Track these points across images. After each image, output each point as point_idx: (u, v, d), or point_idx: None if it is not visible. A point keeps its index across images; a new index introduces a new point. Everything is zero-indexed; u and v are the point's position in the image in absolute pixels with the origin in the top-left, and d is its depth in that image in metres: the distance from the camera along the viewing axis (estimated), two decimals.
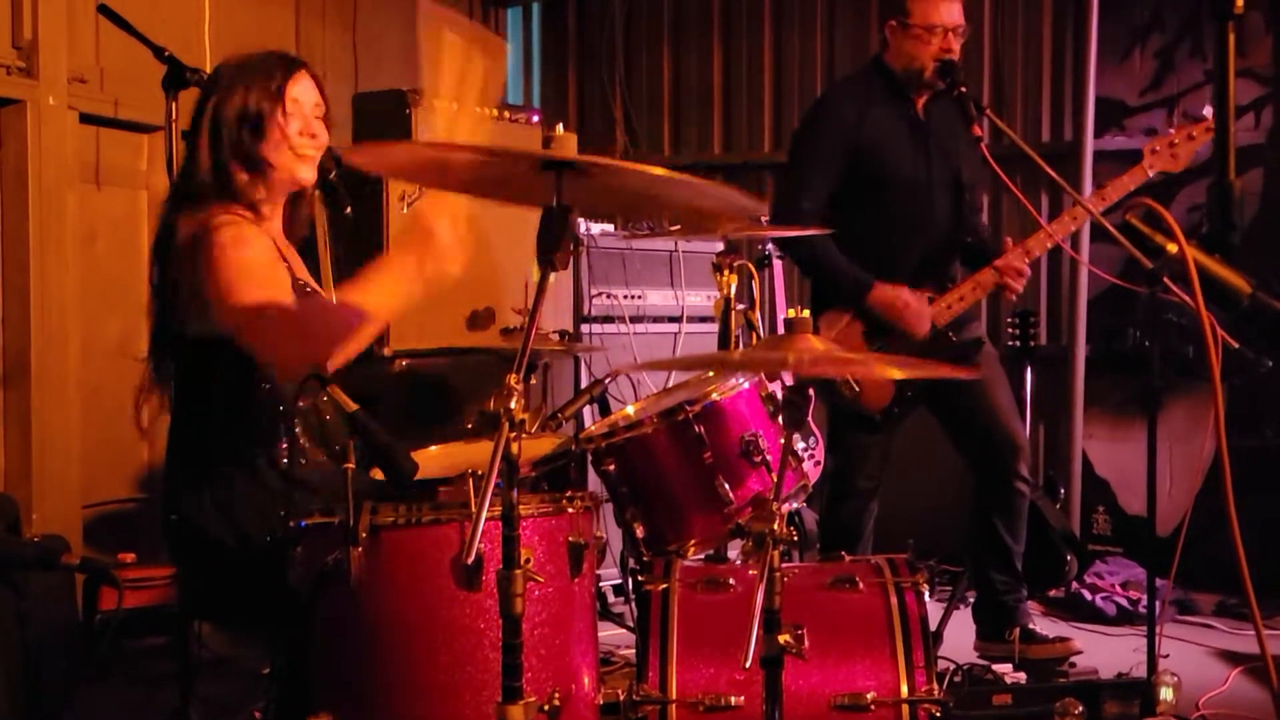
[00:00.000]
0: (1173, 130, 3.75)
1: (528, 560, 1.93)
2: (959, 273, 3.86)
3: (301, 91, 2.61)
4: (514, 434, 1.87)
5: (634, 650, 2.65)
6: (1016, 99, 5.75)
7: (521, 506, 1.96)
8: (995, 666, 3.68)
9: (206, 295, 2.43)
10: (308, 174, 2.63)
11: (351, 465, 2.16)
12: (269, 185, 2.59)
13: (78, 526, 3.83)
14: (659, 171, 1.95)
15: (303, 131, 2.59)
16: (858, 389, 3.71)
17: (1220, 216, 1.46)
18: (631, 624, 4.00)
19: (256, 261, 2.46)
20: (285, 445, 2.54)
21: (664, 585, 2.62)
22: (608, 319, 4.79)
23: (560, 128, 5.19)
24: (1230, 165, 1.44)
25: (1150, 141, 3.77)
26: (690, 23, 6.30)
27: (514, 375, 1.87)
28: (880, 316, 3.74)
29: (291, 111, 2.58)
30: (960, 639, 3.93)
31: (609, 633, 4.16)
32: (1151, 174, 3.73)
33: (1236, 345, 2.81)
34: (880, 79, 3.87)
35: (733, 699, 2.44)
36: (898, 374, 2.32)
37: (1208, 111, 3.76)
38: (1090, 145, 5.43)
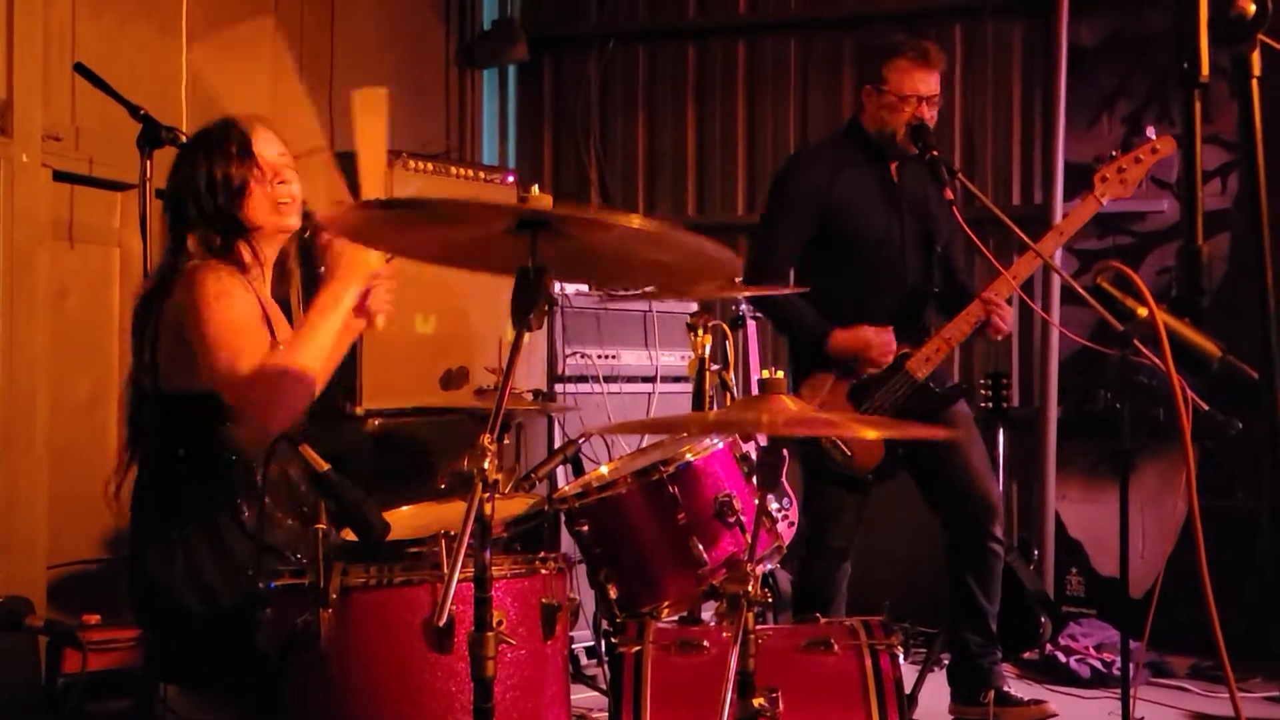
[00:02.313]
0: (1119, 155, 3.75)
1: (500, 622, 1.92)
2: (933, 325, 3.88)
3: (265, 146, 2.66)
4: (487, 494, 1.86)
5: (607, 713, 2.63)
6: (987, 163, 5.82)
7: (494, 568, 1.94)
8: None
9: (193, 349, 2.45)
10: (294, 220, 2.68)
11: (322, 525, 2.14)
12: (258, 243, 2.63)
13: (42, 587, 3.77)
14: (636, 223, 1.96)
15: (274, 180, 2.64)
16: (849, 452, 3.72)
17: (1189, 280, 1.48)
18: (605, 686, 3.96)
19: (242, 320, 2.49)
20: (254, 506, 2.52)
21: (637, 647, 2.60)
22: (582, 379, 4.78)
23: (535, 189, 5.20)
24: (1199, 230, 1.45)
25: (1100, 169, 3.73)
26: (665, 85, 6.36)
27: (488, 435, 1.87)
28: (848, 360, 3.76)
29: (264, 167, 2.62)
30: (935, 702, 3.91)
31: (581, 695, 4.12)
32: (1104, 202, 3.72)
33: (1207, 408, 2.82)
34: (854, 141, 3.92)
35: None
36: (870, 435, 2.33)
37: (1150, 132, 3.77)
38: (1060, 208, 5.49)
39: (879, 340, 3.74)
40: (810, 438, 3.78)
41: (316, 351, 2.49)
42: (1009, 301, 3.78)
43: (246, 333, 2.48)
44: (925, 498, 3.97)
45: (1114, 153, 3.76)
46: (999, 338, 3.87)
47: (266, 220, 2.64)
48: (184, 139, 3.51)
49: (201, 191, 2.60)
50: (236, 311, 2.49)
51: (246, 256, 2.62)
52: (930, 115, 3.80)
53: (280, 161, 2.66)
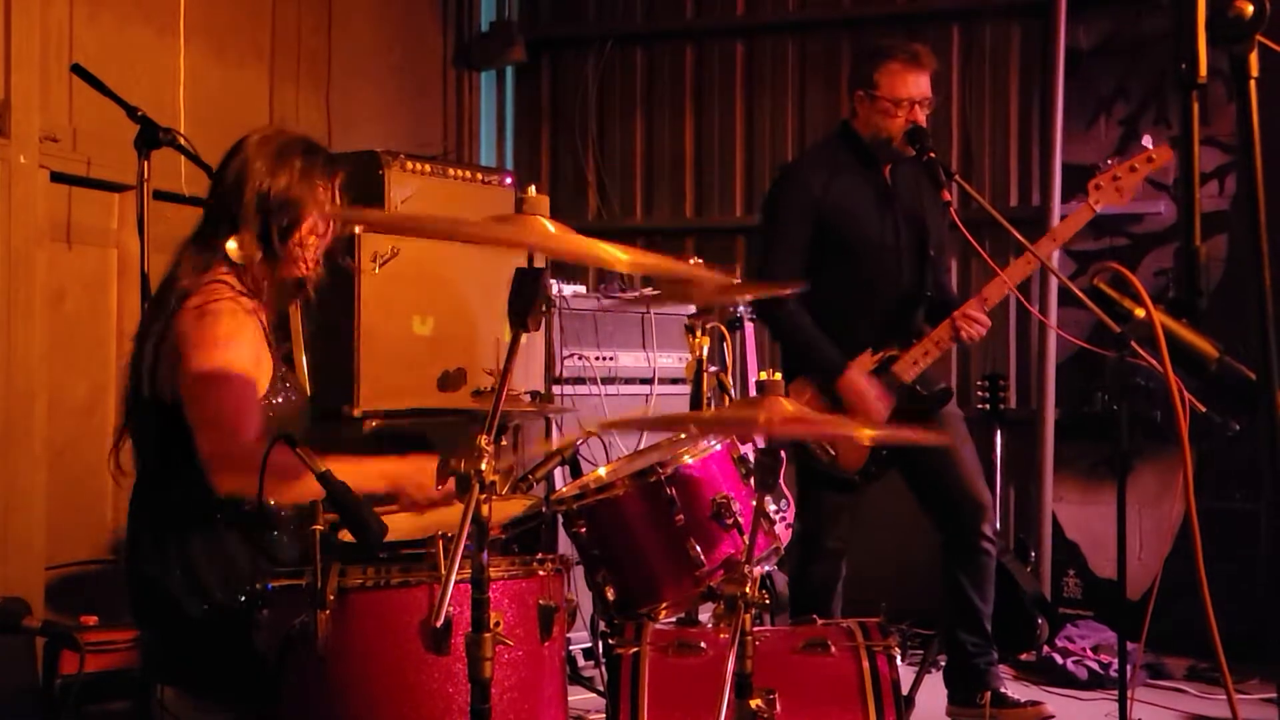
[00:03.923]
0: (1114, 163, 3.74)
1: (497, 624, 1.91)
2: (924, 329, 3.87)
3: (335, 194, 2.66)
4: (484, 495, 1.85)
5: (604, 715, 2.63)
6: (985, 165, 5.83)
7: (491, 569, 1.94)
8: None
9: (184, 371, 2.43)
10: (308, 270, 2.67)
11: (319, 526, 2.14)
12: (275, 271, 2.61)
13: (40, 588, 3.77)
14: (625, 256, 1.96)
15: (321, 233, 2.64)
16: (833, 452, 3.72)
17: (1187, 281, 1.48)
18: (602, 688, 3.96)
19: (240, 363, 2.46)
20: (252, 506, 2.52)
21: (635, 649, 2.60)
22: (579, 380, 4.78)
23: (533, 190, 5.19)
24: (1196, 231, 1.46)
25: (1094, 178, 3.73)
26: (663, 88, 6.35)
27: (485, 436, 1.87)
28: (842, 398, 3.76)
29: (324, 217, 2.63)
30: (932, 703, 3.91)
31: (579, 697, 4.12)
32: (1098, 209, 3.72)
33: (1204, 409, 2.83)
34: (847, 145, 3.92)
35: None
36: (867, 434, 2.33)
37: (1147, 141, 3.77)
38: (1057, 210, 5.50)
39: (878, 403, 3.72)
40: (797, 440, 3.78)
41: (303, 490, 2.31)
42: (1004, 300, 3.78)
43: (241, 377, 2.45)
44: (917, 498, 3.97)
45: (1109, 161, 3.76)
46: (973, 340, 3.85)
47: (295, 261, 2.62)
48: (182, 140, 3.51)
49: (268, 198, 2.56)
50: (240, 351, 2.46)
51: (263, 273, 2.60)
52: (921, 118, 3.80)
53: (330, 213, 2.64)
